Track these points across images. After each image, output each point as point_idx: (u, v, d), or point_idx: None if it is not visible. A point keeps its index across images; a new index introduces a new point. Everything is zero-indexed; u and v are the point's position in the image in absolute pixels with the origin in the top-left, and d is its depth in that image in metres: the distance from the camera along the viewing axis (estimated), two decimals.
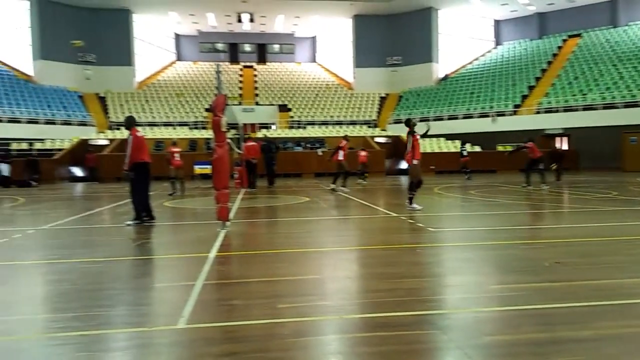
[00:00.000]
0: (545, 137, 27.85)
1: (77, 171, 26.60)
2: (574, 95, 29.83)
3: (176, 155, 15.19)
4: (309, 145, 28.71)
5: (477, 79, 36.55)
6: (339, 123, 34.54)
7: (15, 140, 27.22)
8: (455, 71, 39.65)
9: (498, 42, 41.48)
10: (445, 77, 38.47)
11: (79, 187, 21.34)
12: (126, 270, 5.13)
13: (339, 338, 3.05)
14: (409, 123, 9.69)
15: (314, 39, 45.74)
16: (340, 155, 15.02)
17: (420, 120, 32.48)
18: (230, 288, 4.26)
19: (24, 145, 26.96)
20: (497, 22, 41.55)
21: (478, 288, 4.10)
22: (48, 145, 27.75)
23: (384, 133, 32.10)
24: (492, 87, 34.62)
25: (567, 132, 28.49)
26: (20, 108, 30.07)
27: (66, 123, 30.91)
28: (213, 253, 5.55)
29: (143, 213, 8.26)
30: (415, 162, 9.61)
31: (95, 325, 3.25)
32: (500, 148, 28.84)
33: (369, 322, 3.27)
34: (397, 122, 33.41)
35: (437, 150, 28.85)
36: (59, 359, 2.78)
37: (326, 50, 45.12)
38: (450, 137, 30.39)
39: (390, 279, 4.36)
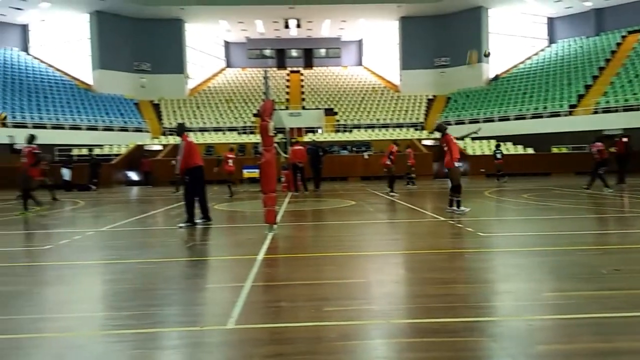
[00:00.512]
0: (605, 138, 26.54)
1: (133, 175, 27.78)
2: (634, 94, 28.26)
3: (229, 160, 15.86)
4: (355, 149, 28.67)
5: (529, 79, 35.33)
6: (385, 126, 34.31)
7: (76, 146, 28.78)
8: (507, 71, 38.52)
9: (552, 40, 39.94)
10: (496, 78, 37.44)
11: (135, 190, 22.28)
12: (178, 271, 5.30)
13: (385, 343, 3.02)
14: (440, 128, 9.62)
15: (360, 42, 45.73)
16: (389, 160, 14.85)
17: (470, 122, 31.79)
18: (278, 290, 4.31)
19: (84, 151, 28.44)
20: (551, 20, 40.03)
21: (531, 295, 3.96)
22: (106, 150, 29.15)
23: (431, 136, 31.58)
24: (545, 87, 33.36)
25: (626, 133, 27.01)
26: (80, 116, 31.78)
27: (123, 129, 32.35)
28: (261, 255, 5.64)
29: (200, 216, 8.52)
30: (456, 164, 9.46)
31: (150, 324, 3.38)
32: (554, 150, 27.72)
33: (416, 328, 3.22)
34: (446, 124, 32.85)
35: (487, 153, 28.06)
36: (115, 355, 2.91)
37: (372, 53, 44.97)
38: (501, 139, 29.51)
39: (439, 284, 4.29)
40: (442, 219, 8.75)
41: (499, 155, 20.94)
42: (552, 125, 29.32)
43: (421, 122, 34.94)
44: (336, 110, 36.79)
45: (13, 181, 25.19)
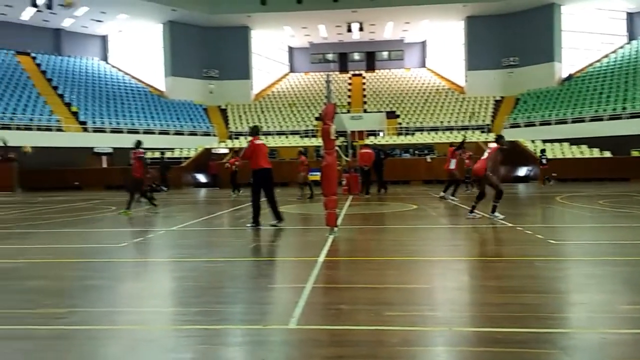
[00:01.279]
0: None
1: (201, 178, 28.93)
2: None
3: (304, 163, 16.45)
4: (417, 152, 28.21)
5: (607, 78, 33.15)
6: (450, 129, 33.47)
7: (149, 149, 30.40)
8: (581, 70, 36.37)
9: (632, 37, 37.27)
10: (570, 77, 35.46)
11: (202, 192, 23.18)
12: (242, 270, 5.46)
13: (448, 350, 2.96)
14: (500, 140, 9.43)
15: (423, 43, 44.99)
16: (452, 164, 14.41)
17: (541, 124, 30.36)
18: (338, 292, 4.33)
19: (157, 154, 29.98)
20: (630, 15, 37.37)
21: (605, 307, 3.72)
22: (176, 154, 30.56)
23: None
24: (625, 86, 31.16)
25: None
26: (154, 120, 33.56)
27: (192, 134, 33.79)
28: (322, 257, 5.69)
29: (276, 218, 8.73)
30: (487, 173, 9.24)
31: (216, 321, 3.51)
32: (635, 153, 25.85)
33: (480, 337, 3.12)
34: (514, 126, 31.57)
35: (559, 156, 26.67)
36: (184, 349, 3.04)
37: (436, 55, 44.08)
38: (575, 141, 27.95)
39: (505, 292, 4.13)
40: (510, 225, 8.41)
41: (544, 161, 19.71)
42: (631, 127, 27.32)
43: (487, 125, 33.78)
44: (398, 113, 36.40)
45: (88, 182, 27.01)
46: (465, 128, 33.26)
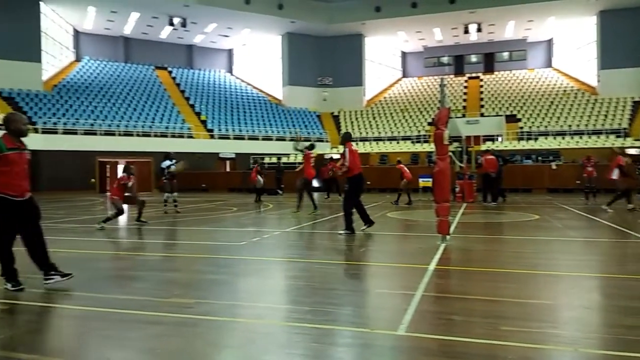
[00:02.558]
0: None
1: (314, 182, 29.76)
2: None
3: (406, 169, 16.29)
4: (540, 158, 26.22)
5: None
6: (579, 133, 30.61)
7: (268, 155, 32.07)
8: None
9: None
10: None
11: (315, 196, 23.83)
12: (352, 273, 5.54)
13: None
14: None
15: (549, 42, 41.74)
16: (615, 174, 12.96)
17: None
18: (450, 302, 4.20)
19: (274, 159, 31.55)
20: None
21: None
22: (292, 159, 31.85)
23: (637, 143, 27.18)
24: None
25: None
26: (272, 127, 35.40)
27: (306, 140, 34.93)
28: (432, 265, 5.56)
29: (363, 224, 8.62)
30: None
31: (326, 321, 3.60)
32: None
33: None
34: None
35: None
36: (296, 346, 3.18)
37: (564, 53, 40.63)
38: None
39: (637, 314, 3.69)
40: None
41: (589, 168, 16.55)
42: None
43: (624, 128, 30.32)
44: (519, 116, 34.18)
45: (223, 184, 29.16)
46: (597, 132, 30.20)
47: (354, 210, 8.62)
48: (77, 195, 24.06)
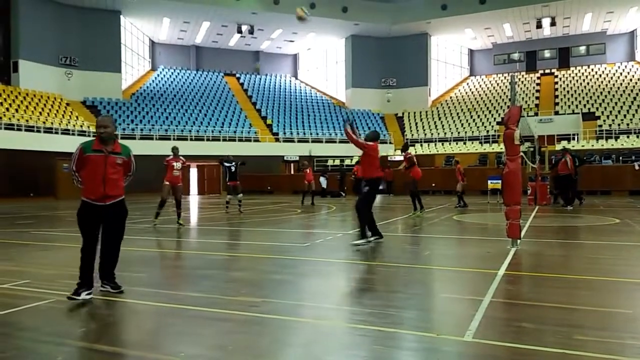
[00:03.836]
0: None
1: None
2: None
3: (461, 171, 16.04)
4: (621, 158, 24.46)
5: None
6: None
7: (331, 157, 32.28)
8: None
9: None
10: None
11: (378, 198, 23.70)
12: (416, 277, 5.46)
13: None
14: None
15: (632, 33, 38.85)
16: None
17: None
18: (520, 309, 4.04)
19: (337, 162, 31.69)
20: None
21: None
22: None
23: None
24: None
25: None
26: (335, 130, 35.58)
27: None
28: (502, 271, 5.36)
29: (368, 232, 7.55)
30: None
31: (389, 324, 3.59)
32: None
33: None
34: None
35: None
36: (359, 347, 3.19)
37: None
38: None
39: None
40: None
41: (637, 167, 14.41)
42: None
43: None
44: (598, 114, 32.09)
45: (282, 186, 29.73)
46: None
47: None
48: (153, 197, 25.46)
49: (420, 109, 38.63)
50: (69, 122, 28.47)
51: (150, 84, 37.47)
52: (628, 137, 28.38)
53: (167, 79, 39.11)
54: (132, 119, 31.81)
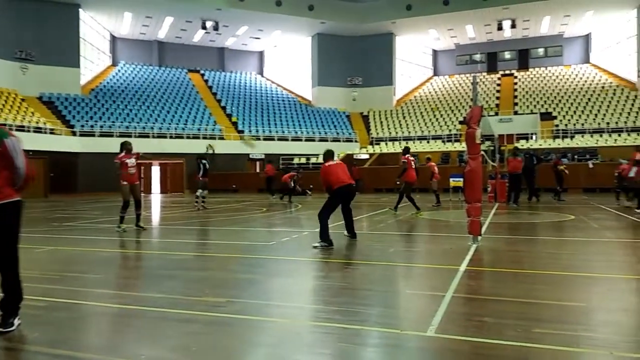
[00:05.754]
0: None
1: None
2: None
3: (436, 169, 16.23)
4: (576, 157, 25.45)
5: None
6: (617, 130, 29.55)
7: (297, 155, 32.24)
8: None
9: None
10: None
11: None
12: (381, 274, 5.52)
13: None
14: None
15: (587, 37, 40.43)
16: (632, 172, 12.56)
17: None
18: (481, 304, 4.15)
19: (303, 160, 31.67)
20: None
21: None
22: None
23: None
24: None
25: None
26: (301, 128, 35.58)
27: (335, 140, 34.99)
28: (463, 266, 5.49)
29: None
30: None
31: (355, 321, 3.61)
32: None
33: None
34: None
35: None
36: (325, 345, 3.20)
37: (603, 49, 39.26)
38: None
39: None
40: None
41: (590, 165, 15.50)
42: None
43: None
44: (555, 114, 33.28)
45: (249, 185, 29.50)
46: (638, 130, 29.09)
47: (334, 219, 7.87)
48: (113, 196, 24.78)
49: (385, 108, 39.06)
50: (24, 119, 27.33)
51: (110, 80, 36.41)
52: (582, 136, 29.56)
53: (129, 74, 38.11)
54: (92, 115, 30.82)
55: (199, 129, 32.48)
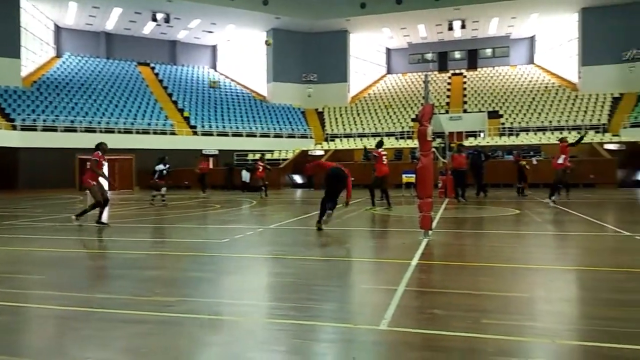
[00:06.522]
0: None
1: (297, 178, 29.81)
2: None
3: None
4: (521, 154, 26.52)
5: None
6: (559, 129, 31.09)
7: (251, 151, 31.95)
8: None
9: None
10: None
11: (299, 192, 23.87)
12: (335, 269, 5.56)
13: None
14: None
15: (532, 39, 42.23)
16: (561, 160, 13.24)
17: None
18: (432, 297, 4.25)
19: (258, 156, 31.39)
20: None
21: None
22: (276, 155, 31.77)
23: (616, 139, 27.73)
24: None
25: None
26: (256, 124, 35.26)
27: (290, 136, 34.94)
28: (415, 261, 5.61)
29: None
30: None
31: (309, 317, 3.62)
32: None
33: (586, 351, 2.90)
34: (636, 125, 28.58)
35: None
36: (278, 342, 3.19)
37: (546, 50, 41.13)
38: None
39: (618, 306, 3.78)
40: (627, 233, 7.64)
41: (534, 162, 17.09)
42: None
43: (603, 124, 30.90)
44: (501, 112, 34.59)
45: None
46: (577, 128, 30.70)
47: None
48: (56, 193, 23.69)
49: (340, 105, 39.33)
50: None
51: (54, 72, 34.72)
52: (527, 134, 30.91)
53: (74, 66, 36.47)
54: (34, 108, 29.28)
55: (149, 124, 31.56)
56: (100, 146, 9.70)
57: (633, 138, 26.83)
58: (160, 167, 14.78)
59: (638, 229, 8.12)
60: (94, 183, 9.47)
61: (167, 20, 35.60)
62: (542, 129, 31.44)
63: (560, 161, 12.96)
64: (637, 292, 4.24)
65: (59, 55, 37.80)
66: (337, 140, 34.64)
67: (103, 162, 9.72)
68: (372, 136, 34.33)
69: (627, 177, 23.86)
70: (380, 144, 12.97)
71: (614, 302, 3.91)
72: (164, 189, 14.66)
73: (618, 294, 4.18)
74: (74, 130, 28.59)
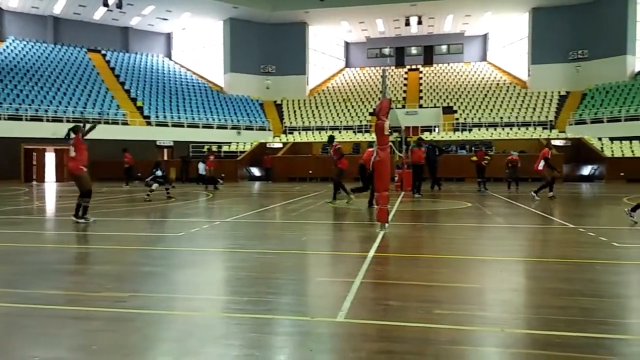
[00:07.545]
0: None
1: (256, 171, 29.56)
2: None
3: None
4: (474, 149, 27.37)
5: None
6: (510, 125, 32.29)
7: (208, 143, 31.39)
8: None
9: None
10: None
11: (256, 185, 23.69)
12: (293, 262, 5.56)
13: (499, 352, 2.89)
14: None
15: (485, 36, 43.53)
16: (541, 166, 13.70)
17: (609, 121, 28.75)
18: (387, 288, 4.32)
19: (215, 148, 30.89)
20: None
21: None
22: (233, 147, 31.38)
23: (562, 135, 29.07)
24: None
25: None
26: (212, 115, 34.63)
27: (248, 128, 34.57)
28: (371, 253, 5.69)
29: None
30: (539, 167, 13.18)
31: (266, 310, 3.60)
32: None
33: (534, 339, 3.03)
34: (580, 123, 30.02)
35: (629, 155, 25.11)
36: (235, 336, 3.15)
37: (498, 48, 42.50)
38: None
39: (563, 295, 3.97)
40: (572, 226, 8.04)
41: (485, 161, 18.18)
42: None
43: (551, 121, 32.31)
44: (455, 108, 35.52)
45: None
46: (527, 124, 31.95)
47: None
48: (1, 185, 22.50)
49: (298, 97, 39.24)
50: None
51: None
52: (479, 129, 31.89)
53: (19, 51, 34.62)
54: None
55: (99, 113, 30.41)
56: (77, 128, 8.84)
57: (578, 134, 28.19)
58: (159, 173, 14.68)
59: (582, 222, 8.54)
60: (85, 169, 8.77)
61: (119, 5, 34.28)
62: (494, 125, 32.53)
63: (540, 167, 13.64)
64: (582, 281, 4.46)
65: (1, 39, 35.76)
66: (296, 132, 34.59)
67: (83, 145, 8.79)
68: (331, 129, 34.48)
69: (571, 172, 25.06)
70: (331, 139, 13.16)
71: (559, 292, 4.10)
72: (155, 185, 14.32)
73: (564, 283, 4.39)
74: (19, 119, 27.20)
